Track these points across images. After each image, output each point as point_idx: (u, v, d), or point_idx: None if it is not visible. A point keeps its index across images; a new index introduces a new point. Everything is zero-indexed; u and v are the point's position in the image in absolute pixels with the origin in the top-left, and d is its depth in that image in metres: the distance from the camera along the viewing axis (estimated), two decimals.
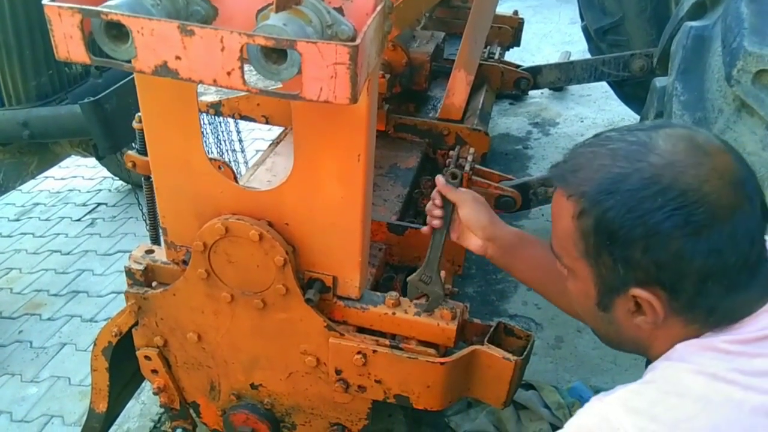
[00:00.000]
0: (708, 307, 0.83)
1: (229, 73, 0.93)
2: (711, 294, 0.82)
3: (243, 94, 2.17)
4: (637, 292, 0.85)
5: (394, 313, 1.39)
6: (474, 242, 1.36)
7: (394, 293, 1.41)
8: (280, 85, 1.05)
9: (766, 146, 1.54)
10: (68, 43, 0.97)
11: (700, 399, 0.77)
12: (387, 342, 1.40)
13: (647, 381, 0.83)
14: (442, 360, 1.35)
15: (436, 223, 1.35)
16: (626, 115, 4.10)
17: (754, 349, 0.81)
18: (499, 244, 1.34)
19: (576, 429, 0.83)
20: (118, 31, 0.95)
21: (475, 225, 1.33)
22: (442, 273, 1.40)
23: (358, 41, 0.89)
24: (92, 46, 0.98)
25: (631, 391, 0.82)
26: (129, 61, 0.98)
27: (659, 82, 1.95)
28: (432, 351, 1.38)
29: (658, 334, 0.88)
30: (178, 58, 0.93)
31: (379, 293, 1.43)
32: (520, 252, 1.34)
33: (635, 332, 0.91)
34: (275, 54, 0.92)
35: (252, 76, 0.96)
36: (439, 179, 1.34)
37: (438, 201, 1.34)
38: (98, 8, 0.93)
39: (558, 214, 0.93)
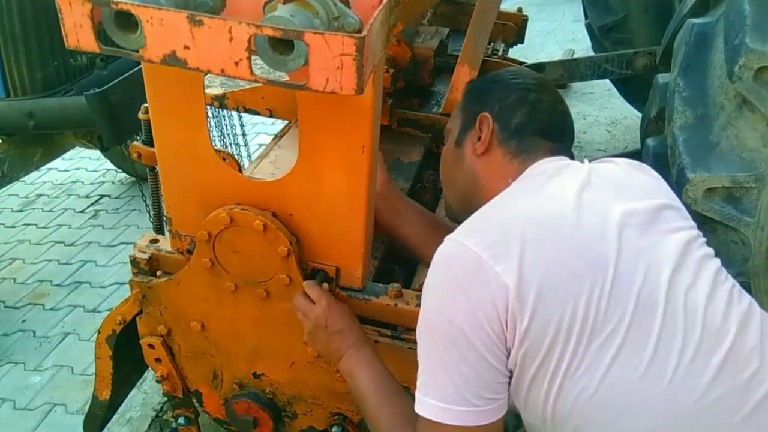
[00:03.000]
0: (518, 142, 1.20)
1: (236, 63, 0.94)
2: (523, 134, 1.20)
3: (248, 86, 2.18)
4: (484, 114, 1.22)
5: (396, 305, 1.41)
6: None
7: (396, 285, 1.43)
8: (287, 77, 1.07)
9: (767, 143, 1.55)
10: (78, 32, 0.98)
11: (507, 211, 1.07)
12: (389, 333, 1.42)
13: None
14: None
15: None
16: (628, 113, 4.11)
17: (535, 178, 1.14)
18: (388, 197, 1.52)
19: (438, 256, 1.04)
20: (127, 21, 0.96)
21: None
22: None
23: (364, 33, 0.90)
24: (101, 35, 0.99)
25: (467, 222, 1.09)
26: (138, 51, 0.99)
27: (662, 78, 1.96)
28: None
29: (486, 168, 1.22)
30: (186, 47, 0.95)
31: (381, 284, 1.45)
32: (405, 210, 1.55)
33: (472, 164, 1.24)
34: (282, 45, 0.93)
35: (257, 68, 0.97)
36: None
37: None
38: None
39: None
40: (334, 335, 1.30)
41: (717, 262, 1.06)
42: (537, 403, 0.99)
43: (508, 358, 0.99)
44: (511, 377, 1.01)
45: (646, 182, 1.17)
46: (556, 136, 1.22)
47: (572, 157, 1.21)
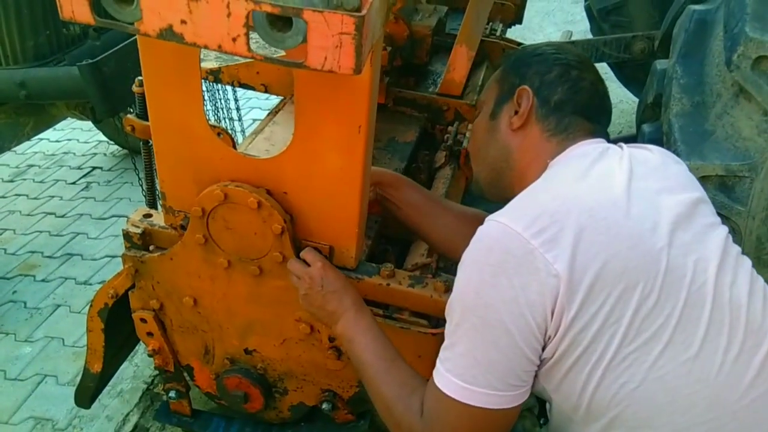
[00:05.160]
0: (557, 120, 1.16)
1: (234, 40, 0.93)
2: (563, 111, 1.16)
3: (243, 61, 2.16)
4: (523, 87, 1.18)
5: (388, 284, 1.41)
6: None
7: (388, 265, 1.43)
8: (284, 54, 1.06)
9: (762, 132, 1.55)
10: (73, 3, 0.97)
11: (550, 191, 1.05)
12: (380, 312, 1.43)
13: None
14: (434, 331, 1.38)
15: None
16: (625, 97, 4.10)
17: (579, 160, 1.10)
18: (378, 181, 1.51)
19: (483, 236, 1.01)
20: None
21: None
22: None
23: (364, 12, 0.89)
24: (97, 7, 0.98)
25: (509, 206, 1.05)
26: (133, 24, 0.97)
27: (660, 64, 1.95)
28: (424, 322, 1.41)
29: (521, 144, 1.18)
30: (183, 22, 0.93)
31: (374, 264, 1.45)
32: (403, 188, 1.53)
33: (507, 138, 1.21)
34: (280, 22, 0.92)
35: (254, 43, 0.96)
36: None
37: None
38: None
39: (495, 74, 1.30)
40: (330, 295, 1.28)
41: (749, 260, 1.06)
42: (573, 390, 0.99)
43: (543, 347, 0.98)
44: (540, 365, 1.00)
45: (680, 173, 1.15)
46: (596, 116, 1.18)
47: (608, 139, 1.19)
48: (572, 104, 1.16)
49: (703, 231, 1.03)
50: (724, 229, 1.07)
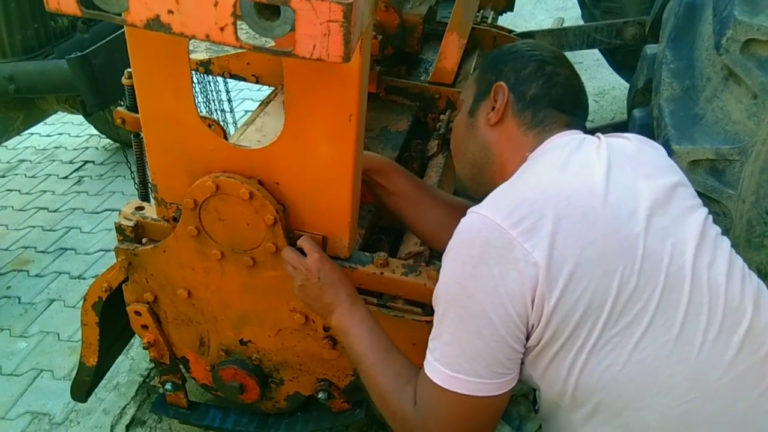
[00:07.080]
0: (533, 113, 1.19)
1: (222, 29, 0.92)
2: (539, 105, 1.19)
3: (233, 52, 2.15)
4: (499, 84, 1.22)
5: (382, 273, 1.42)
6: None
7: (382, 254, 1.43)
8: (273, 43, 1.05)
9: (752, 115, 1.55)
10: None
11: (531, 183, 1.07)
12: (374, 301, 1.43)
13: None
14: (428, 319, 1.38)
15: None
16: (617, 83, 4.11)
17: (556, 152, 1.12)
18: (367, 167, 1.50)
19: (463, 228, 1.03)
20: None
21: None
22: None
23: None
24: None
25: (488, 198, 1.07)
26: (120, 14, 0.97)
27: (650, 49, 1.95)
28: (418, 310, 1.41)
29: (500, 138, 1.22)
30: (170, 12, 0.93)
31: (367, 253, 1.46)
32: (392, 175, 1.54)
33: (485, 134, 1.24)
34: (268, 10, 0.92)
35: (242, 32, 0.96)
36: None
37: None
38: None
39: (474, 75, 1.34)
40: (326, 287, 1.29)
41: (728, 240, 1.08)
42: (558, 377, 1.00)
43: (527, 336, 0.99)
44: (525, 352, 1.02)
45: (658, 159, 1.17)
46: (571, 108, 1.21)
47: (586, 131, 1.20)
48: (547, 98, 1.19)
49: (681, 214, 1.04)
50: (703, 211, 1.09)
